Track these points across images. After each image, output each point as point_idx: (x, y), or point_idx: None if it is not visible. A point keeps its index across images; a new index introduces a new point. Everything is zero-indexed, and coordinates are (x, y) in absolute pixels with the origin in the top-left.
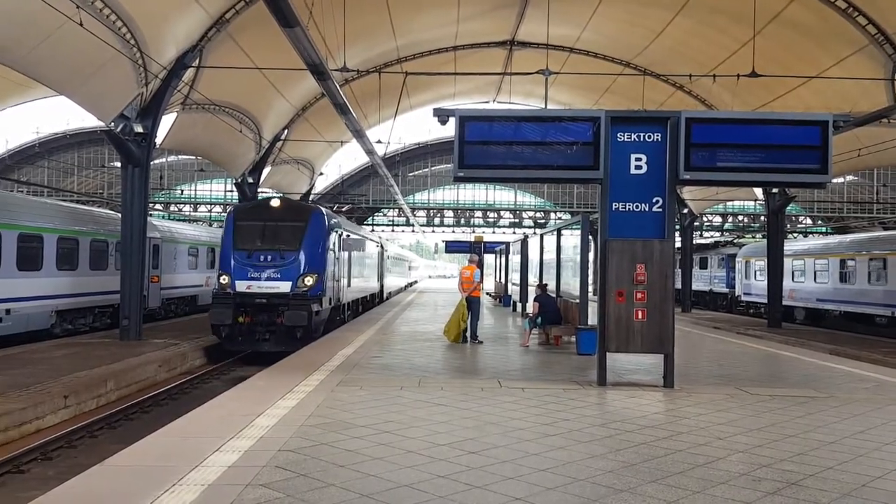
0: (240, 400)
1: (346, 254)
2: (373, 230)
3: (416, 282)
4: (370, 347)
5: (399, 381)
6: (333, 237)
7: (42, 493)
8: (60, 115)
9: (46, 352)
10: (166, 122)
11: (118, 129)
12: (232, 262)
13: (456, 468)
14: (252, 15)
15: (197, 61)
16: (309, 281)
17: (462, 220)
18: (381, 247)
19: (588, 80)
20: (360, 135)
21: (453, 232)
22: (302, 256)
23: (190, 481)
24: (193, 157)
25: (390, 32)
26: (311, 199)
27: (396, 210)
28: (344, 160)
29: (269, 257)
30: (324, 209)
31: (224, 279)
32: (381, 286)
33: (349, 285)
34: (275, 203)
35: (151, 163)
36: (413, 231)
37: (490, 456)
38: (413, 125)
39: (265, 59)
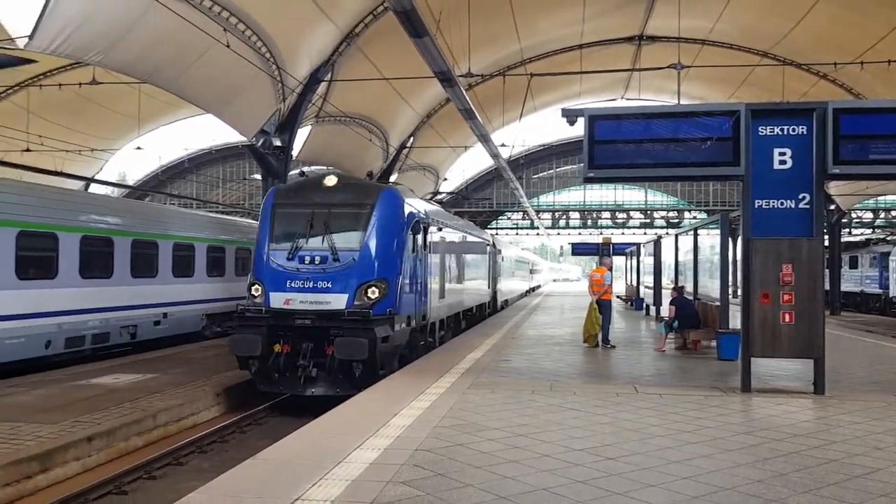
0: (376, 401)
1: (437, 254)
2: (496, 234)
3: (538, 286)
4: (499, 351)
5: (530, 384)
6: (415, 230)
7: (201, 484)
8: (206, 131)
9: (199, 352)
10: (301, 134)
11: (259, 144)
12: (266, 265)
13: (594, 474)
14: (379, 28)
15: (329, 75)
16: (374, 293)
17: (589, 222)
18: (494, 246)
19: (723, 73)
20: (485, 139)
21: (579, 234)
22: (364, 257)
23: (334, 476)
24: (325, 168)
25: (514, 35)
26: None
27: (521, 213)
28: (467, 165)
29: (318, 258)
30: (401, 191)
31: (256, 290)
32: (494, 294)
33: (442, 296)
34: (329, 181)
35: (288, 174)
36: (538, 234)
37: (629, 462)
38: (537, 127)
39: (391, 69)
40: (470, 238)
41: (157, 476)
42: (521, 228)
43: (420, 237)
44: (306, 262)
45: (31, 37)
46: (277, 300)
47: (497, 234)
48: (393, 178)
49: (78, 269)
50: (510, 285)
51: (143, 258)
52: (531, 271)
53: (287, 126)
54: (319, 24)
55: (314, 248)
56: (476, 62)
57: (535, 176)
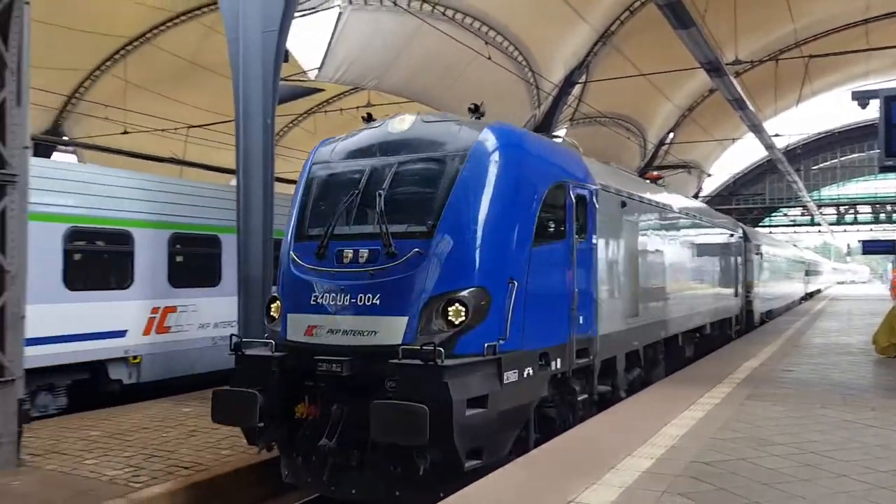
0: (644, 409)
1: (618, 243)
2: (770, 232)
3: (818, 291)
4: (779, 360)
5: (817, 397)
6: (555, 200)
7: (470, 482)
8: None
9: None
10: None
11: None
12: (287, 268)
13: None
14: (635, 24)
15: (583, 76)
16: (459, 313)
17: (882, 216)
18: (746, 239)
19: None
20: (757, 129)
21: (871, 230)
22: (442, 248)
23: (607, 482)
24: None
25: (786, 15)
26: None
27: (799, 208)
28: (733, 159)
29: (365, 253)
30: (523, 131)
31: (274, 310)
32: (747, 302)
33: (633, 314)
34: (398, 123)
35: None
36: (819, 231)
37: None
38: (813, 114)
39: (648, 64)
40: (697, 223)
41: None
42: (800, 225)
43: (571, 213)
44: (345, 259)
45: (320, 68)
46: (297, 327)
47: (771, 231)
48: None
49: None
50: (775, 290)
51: None
52: (807, 273)
53: (542, 131)
54: (574, 27)
55: (360, 236)
56: (743, 48)
57: (816, 167)
